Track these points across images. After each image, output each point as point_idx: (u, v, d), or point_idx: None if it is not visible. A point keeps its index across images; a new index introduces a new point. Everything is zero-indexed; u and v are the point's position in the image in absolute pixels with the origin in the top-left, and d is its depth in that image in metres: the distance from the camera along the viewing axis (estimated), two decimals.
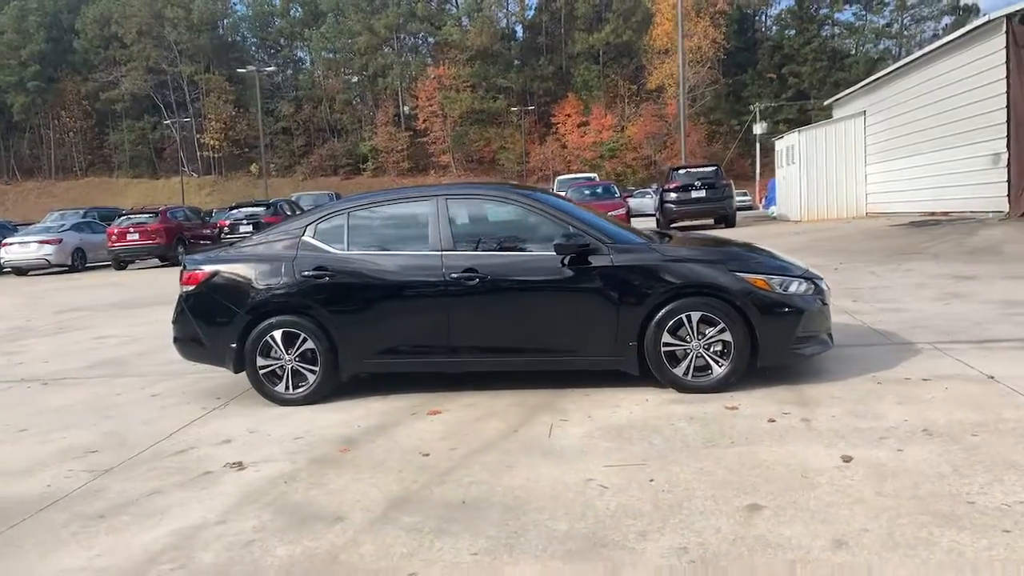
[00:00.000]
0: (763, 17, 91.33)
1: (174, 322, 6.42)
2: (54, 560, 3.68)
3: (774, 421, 4.97)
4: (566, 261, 5.74)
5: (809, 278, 5.87)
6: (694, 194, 21.42)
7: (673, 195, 21.63)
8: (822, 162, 22.22)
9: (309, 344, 5.99)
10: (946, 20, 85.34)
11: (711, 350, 5.64)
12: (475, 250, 5.98)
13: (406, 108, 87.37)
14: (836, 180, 22.19)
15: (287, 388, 6.07)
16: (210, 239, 26.27)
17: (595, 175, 42.09)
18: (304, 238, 6.19)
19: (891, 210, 20.11)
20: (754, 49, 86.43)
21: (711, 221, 22.34)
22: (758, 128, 69.54)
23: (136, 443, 5.42)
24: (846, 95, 25.79)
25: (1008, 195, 14.42)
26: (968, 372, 5.80)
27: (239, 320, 6.09)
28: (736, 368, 5.63)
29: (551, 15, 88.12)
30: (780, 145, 24.68)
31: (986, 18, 14.82)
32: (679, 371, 5.67)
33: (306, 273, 6.02)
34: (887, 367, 6.08)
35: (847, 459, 4.25)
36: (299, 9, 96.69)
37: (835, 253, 14.17)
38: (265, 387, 6.10)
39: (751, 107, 76.11)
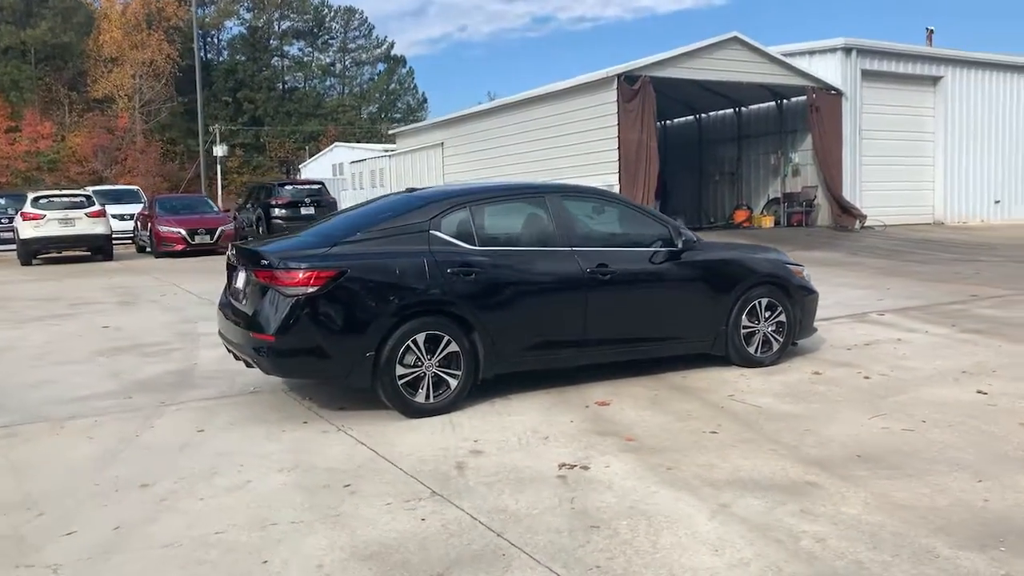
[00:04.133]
0: (215, 39, 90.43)
1: (279, 332, 5.20)
2: (687, 560, 3.34)
3: (869, 378, 6.37)
4: (661, 258, 6.33)
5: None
6: (303, 211, 21.37)
7: (282, 211, 21.26)
8: (406, 184, 24.05)
9: (453, 347, 5.51)
10: (381, 66, 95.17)
11: (770, 330, 6.79)
12: (597, 246, 6.20)
13: None
14: None
15: (427, 397, 5.48)
16: None
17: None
18: (432, 232, 5.65)
19: None
20: (208, 70, 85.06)
21: None
22: (219, 150, 68.91)
23: (375, 471, 4.50)
24: (412, 128, 28.32)
25: None
26: (882, 337, 7.92)
27: (381, 324, 5.31)
28: (786, 344, 6.88)
29: None
30: (360, 168, 25.85)
31: (604, 73, 18.28)
32: (752, 349, 6.70)
33: (451, 270, 5.54)
34: (827, 339, 7.87)
35: (982, 392, 5.87)
36: None
37: None
38: (404, 398, 5.40)
39: (210, 128, 74.85)
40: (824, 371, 6.59)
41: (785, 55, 20.34)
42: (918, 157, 22.78)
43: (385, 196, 7.00)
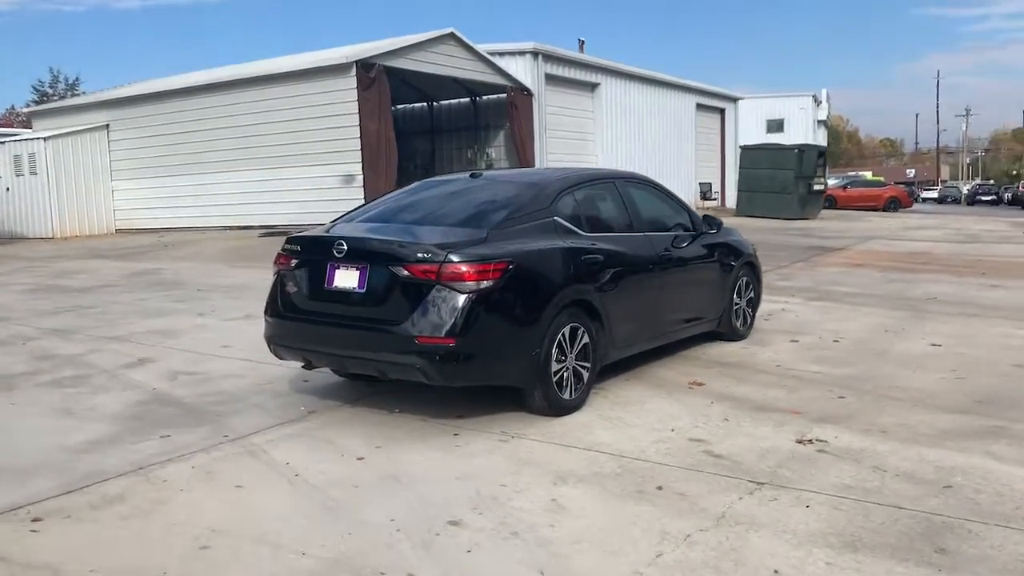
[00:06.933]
0: None
1: (460, 334, 4.49)
2: None
3: (837, 342, 7.31)
4: (698, 241, 6.67)
5: None
6: None
7: None
8: (71, 174, 20.40)
9: (585, 338, 5.26)
10: None
11: (744, 305, 7.43)
12: (658, 230, 6.28)
13: None
14: (87, 194, 20.72)
15: (571, 393, 5.16)
16: None
17: None
18: (555, 219, 5.30)
19: (156, 226, 20.29)
20: None
21: None
22: None
23: (647, 470, 4.22)
24: (60, 107, 23.83)
25: None
26: (770, 309, 9.03)
27: (546, 318, 4.88)
28: (754, 317, 7.60)
29: None
30: None
31: (342, 58, 17.22)
32: (739, 323, 7.30)
33: (584, 258, 5.27)
34: None
35: (936, 344, 7.12)
36: None
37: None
38: (556, 396, 5.02)
39: None
40: (797, 339, 7.40)
41: (488, 54, 21.29)
42: (584, 155, 25.38)
43: (442, 180, 6.29)
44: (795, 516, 3.62)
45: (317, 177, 17.71)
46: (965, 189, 66.63)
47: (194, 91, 19.89)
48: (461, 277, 4.55)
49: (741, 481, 4.04)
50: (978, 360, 6.53)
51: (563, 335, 5.02)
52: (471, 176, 5.95)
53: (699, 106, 32.59)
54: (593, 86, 25.74)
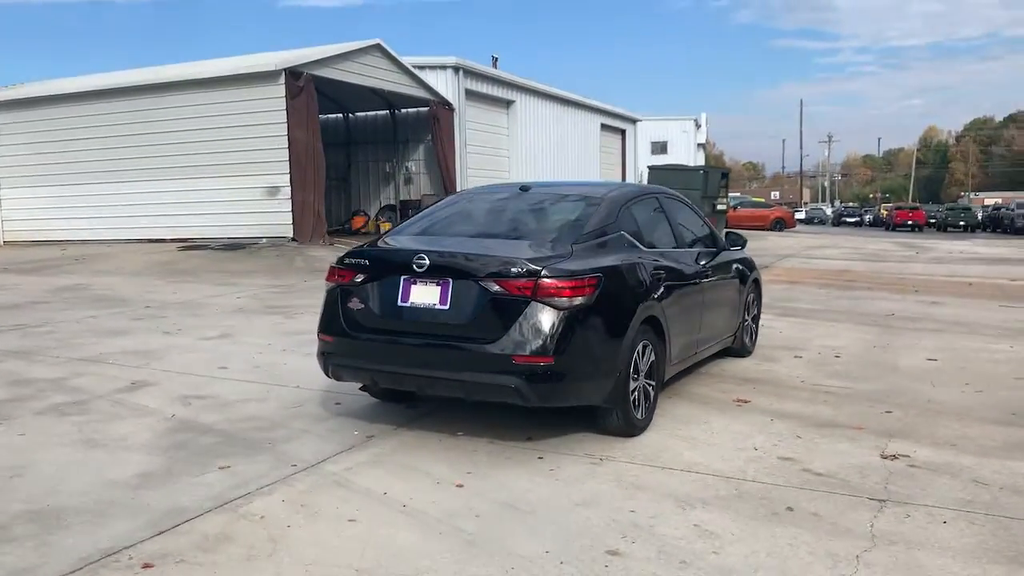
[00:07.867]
0: None
1: (558, 352, 4.29)
2: None
3: (839, 357, 7.50)
4: (722, 257, 6.71)
5: None
6: None
7: None
8: None
9: (652, 355, 5.16)
10: None
11: (749, 320, 7.51)
12: (695, 246, 6.26)
13: None
14: None
15: (643, 412, 5.05)
16: None
17: None
18: (623, 234, 5.18)
19: (53, 238, 18.91)
20: None
21: None
22: None
23: (761, 490, 4.15)
24: None
25: (293, 223, 16.53)
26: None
27: (630, 335, 4.76)
28: (757, 332, 7.70)
29: None
30: None
31: (271, 67, 16.46)
32: (747, 339, 7.38)
33: (653, 273, 5.18)
34: None
35: (932, 359, 7.41)
36: None
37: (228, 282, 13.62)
38: (631, 416, 4.88)
39: None
40: (799, 355, 7.54)
41: (411, 67, 20.96)
42: (499, 171, 25.36)
43: (488, 192, 6.01)
44: (940, 533, 3.62)
45: (239, 188, 16.92)
46: (829, 211, 70.54)
47: (100, 95, 18.66)
48: (558, 293, 4.36)
49: (860, 499, 4.02)
50: (981, 374, 6.79)
51: (638, 352, 4.90)
52: (520, 189, 5.74)
53: (603, 126, 33.24)
54: (508, 103, 25.82)
